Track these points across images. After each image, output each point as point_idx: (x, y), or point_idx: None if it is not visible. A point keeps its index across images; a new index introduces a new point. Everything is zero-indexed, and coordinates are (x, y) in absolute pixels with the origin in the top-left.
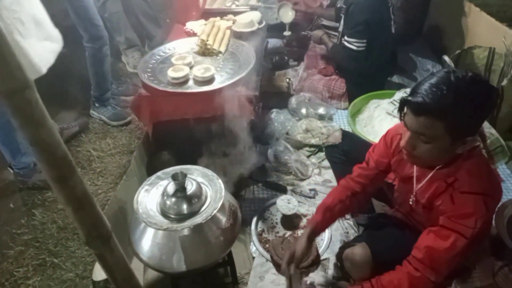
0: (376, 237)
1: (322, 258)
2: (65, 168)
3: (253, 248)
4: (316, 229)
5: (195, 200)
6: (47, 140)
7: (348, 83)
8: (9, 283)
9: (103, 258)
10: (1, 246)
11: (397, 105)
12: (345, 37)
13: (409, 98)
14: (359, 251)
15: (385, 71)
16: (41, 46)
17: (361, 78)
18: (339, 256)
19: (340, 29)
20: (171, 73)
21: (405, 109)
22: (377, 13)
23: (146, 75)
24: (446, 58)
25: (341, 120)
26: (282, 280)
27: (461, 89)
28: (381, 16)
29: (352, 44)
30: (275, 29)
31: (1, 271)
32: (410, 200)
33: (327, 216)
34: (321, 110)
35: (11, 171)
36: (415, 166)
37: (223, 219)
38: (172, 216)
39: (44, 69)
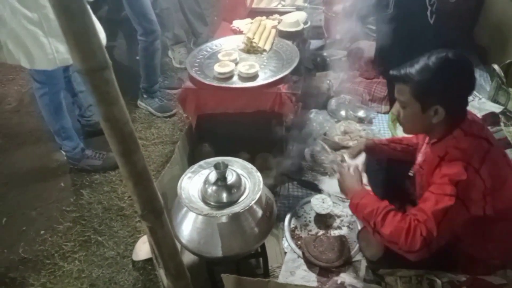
0: None
1: (354, 259)
2: (131, 143)
3: (285, 244)
4: (373, 145)
5: (234, 190)
6: (118, 117)
7: (390, 86)
8: (58, 254)
9: (154, 231)
10: (52, 221)
11: None
12: None
13: (391, 71)
14: None
15: None
16: (62, 46)
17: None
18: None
19: None
20: (217, 68)
21: None
22: None
23: (193, 69)
24: (495, 66)
25: (381, 124)
26: (313, 277)
27: (430, 61)
28: None
29: None
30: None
31: (52, 243)
32: (410, 172)
33: (384, 147)
34: (361, 113)
35: (63, 153)
36: (424, 145)
37: (259, 211)
38: (212, 203)
39: (53, 66)
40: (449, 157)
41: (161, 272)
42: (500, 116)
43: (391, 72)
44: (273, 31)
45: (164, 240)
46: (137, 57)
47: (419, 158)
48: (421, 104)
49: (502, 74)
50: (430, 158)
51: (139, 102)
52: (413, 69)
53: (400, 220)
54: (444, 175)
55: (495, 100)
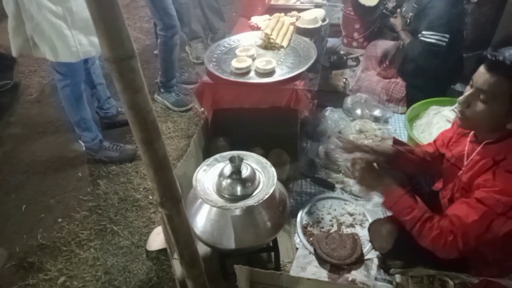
0: None
1: (365, 258)
2: (153, 131)
3: (297, 240)
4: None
5: (248, 184)
6: (142, 105)
7: (409, 88)
8: (74, 242)
9: (171, 219)
10: (69, 209)
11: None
12: (423, 32)
13: (488, 54)
14: (387, 223)
15: (449, 78)
16: (85, 39)
17: (424, 83)
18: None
19: (406, 27)
20: (234, 63)
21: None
22: (455, 10)
23: (211, 64)
24: None
25: (397, 124)
26: (323, 274)
27: None
28: (457, 16)
29: (431, 38)
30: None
31: (69, 231)
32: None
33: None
34: (377, 112)
35: (82, 143)
36: (467, 144)
37: (273, 205)
38: (227, 196)
39: (76, 58)
40: (507, 164)
41: (175, 262)
42: None
43: (495, 58)
44: (291, 27)
45: (181, 228)
46: (155, 52)
47: (454, 151)
48: None
49: None
50: (480, 158)
51: (156, 96)
52: None
53: (438, 235)
54: (500, 191)
55: None
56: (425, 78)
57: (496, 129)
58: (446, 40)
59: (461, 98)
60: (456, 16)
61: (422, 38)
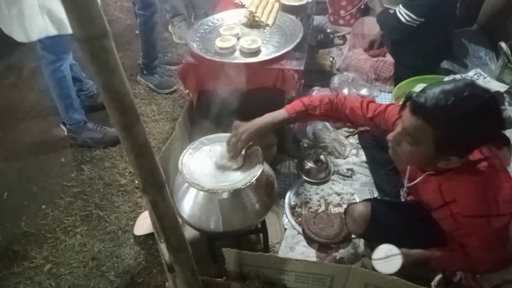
0: (382, 202)
1: (353, 236)
2: (131, 115)
3: (285, 220)
4: (293, 120)
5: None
6: (118, 88)
7: (398, 67)
8: (60, 229)
9: (156, 205)
10: (53, 196)
11: None
12: (400, 5)
13: (413, 95)
14: (360, 207)
15: (438, 56)
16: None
17: (412, 61)
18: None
19: None
20: (219, 43)
21: (407, 104)
22: None
23: (194, 44)
24: (503, 44)
25: (383, 102)
26: (312, 253)
27: (468, 107)
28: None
29: (403, 15)
30: None
31: (53, 218)
32: (401, 193)
33: (309, 114)
34: (364, 91)
35: (64, 128)
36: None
37: (260, 187)
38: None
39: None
40: (460, 208)
41: (162, 247)
42: (505, 95)
43: (417, 102)
44: (276, 5)
45: (166, 213)
46: (137, 32)
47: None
48: (439, 151)
49: (509, 52)
50: (424, 185)
51: (139, 78)
52: (450, 113)
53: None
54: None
55: (500, 79)
56: (413, 57)
57: (429, 166)
58: (418, 23)
59: (390, 136)
60: (442, 2)
61: (396, 12)
